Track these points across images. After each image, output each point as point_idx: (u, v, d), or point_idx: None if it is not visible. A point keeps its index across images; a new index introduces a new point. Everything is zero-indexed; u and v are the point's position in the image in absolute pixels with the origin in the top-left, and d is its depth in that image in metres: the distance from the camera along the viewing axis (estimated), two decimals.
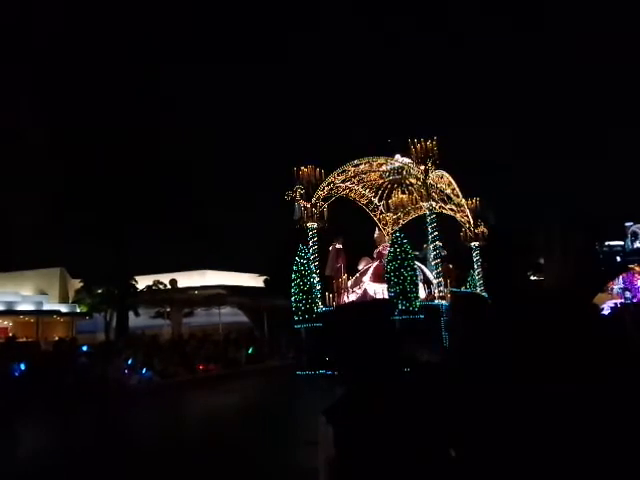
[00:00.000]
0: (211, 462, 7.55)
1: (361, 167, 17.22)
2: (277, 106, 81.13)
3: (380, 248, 17.95)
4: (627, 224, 43.86)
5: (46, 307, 31.64)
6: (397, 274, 14.70)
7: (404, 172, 17.26)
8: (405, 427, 1.95)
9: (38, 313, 30.67)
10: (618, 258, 41.79)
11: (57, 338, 25.71)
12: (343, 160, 17.06)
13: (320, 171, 17.02)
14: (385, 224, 19.93)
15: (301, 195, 16.77)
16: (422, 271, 16.49)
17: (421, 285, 15.90)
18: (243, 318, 35.02)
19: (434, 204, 15.76)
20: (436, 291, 15.82)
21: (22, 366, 14.80)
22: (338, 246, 17.18)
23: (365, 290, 16.61)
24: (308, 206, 16.69)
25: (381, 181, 18.94)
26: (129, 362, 16.95)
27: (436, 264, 15.86)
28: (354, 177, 17.99)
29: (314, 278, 16.34)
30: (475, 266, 19.07)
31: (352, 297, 16.64)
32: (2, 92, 35.54)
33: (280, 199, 17.13)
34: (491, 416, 2.21)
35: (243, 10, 78.34)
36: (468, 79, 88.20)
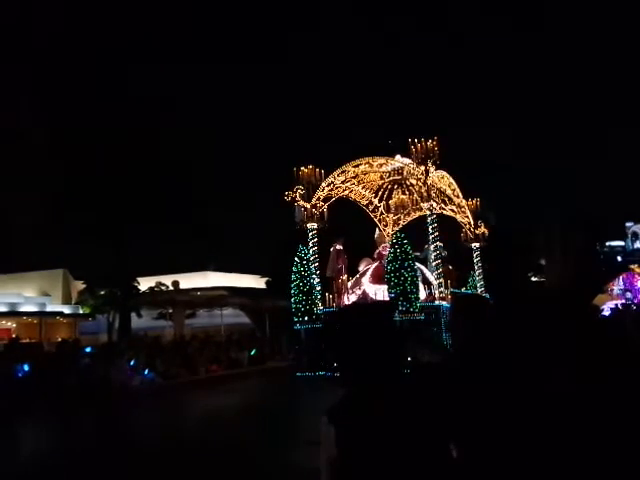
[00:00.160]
0: (212, 462, 7.58)
1: (361, 167, 17.21)
2: (277, 106, 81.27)
3: (380, 249, 17.94)
4: (627, 224, 43.83)
5: (49, 308, 31.74)
6: (397, 275, 14.70)
7: (404, 172, 17.26)
8: (406, 428, 1.97)
9: (41, 314, 30.75)
10: (619, 258, 41.75)
11: (60, 339, 25.80)
12: (343, 160, 17.06)
13: (320, 171, 17.02)
14: (385, 225, 19.93)
15: (301, 196, 16.76)
16: (422, 272, 16.48)
17: (421, 286, 15.89)
18: (245, 319, 35.04)
19: (434, 205, 15.76)
20: (436, 292, 15.81)
21: (25, 367, 14.84)
22: (339, 247, 17.18)
23: (364, 291, 16.61)
24: (308, 207, 16.69)
25: (381, 182, 18.94)
26: (131, 363, 16.97)
27: (437, 265, 15.85)
28: (354, 177, 17.99)
29: (314, 279, 16.33)
30: (475, 267, 19.06)
31: (352, 298, 16.65)
32: (2, 92, 35.62)
33: (281, 199, 17.13)
34: (492, 417, 2.23)
35: (243, 10, 78.43)
36: (468, 79, 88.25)
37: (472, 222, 18.93)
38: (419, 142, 15.46)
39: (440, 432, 2.05)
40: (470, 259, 19.16)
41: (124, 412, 13.21)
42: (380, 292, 15.76)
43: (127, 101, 32.11)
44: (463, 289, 17.61)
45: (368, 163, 17.13)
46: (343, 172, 17.50)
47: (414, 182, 17.11)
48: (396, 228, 19.01)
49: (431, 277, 16.64)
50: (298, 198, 16.81)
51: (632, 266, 39.38)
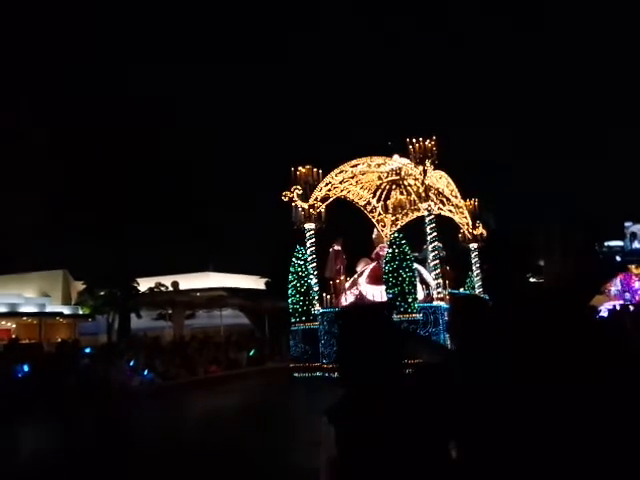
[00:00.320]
0: (212, 463, 7.58)
1: (359, 167, 17.18)
2: (277, 106, 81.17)
3: (378, 249, 17.93)
4: (627, 224, 43.76)
5: (49, 309, 31.79)
6: (395, 275, 14.71)
7: (402, 172, 17.23)
8: (406, 428, 1.98)
9: (41, 315, 30.83)
10: (618, 258, 41.69)
11: (60, 340, 25.79)
12: (342, 160, 17.04)
13: (318, 171, 17.01)
14: (384, 225, 19.92)
15: (299, 196, 16.74)
16: (420, 272, 16.47)
17: (419, 286, 15.88)
18: (244, 320, 35.04)
19: (433, 205, 15.76)
20: (434, 292, 15.80)
21: (25, 367, 14.83)
22: (337, 248, 17.17)
23: (361, 292, 16.60)
24: (306, 207, 16.67)
25: (379, 182, 18.92)
26: (131, 364, 16.96)
27: (435, 265, 15.85)
28: (352, 177, 17.96)
29: (311, 279, 16.30)
30: (474, 268, 19.06)
31: (349, 298, 16.64)
32: (2, 92, 35.61)
33: (280, 199, 17.11)
34: (491, 417, 2.24)
35: (243, 10, 78.38)
36: (468, 79, 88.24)
37: (470, 222, 18.92)
38: (417, 142, 15.44)
39: (440, 432, 2.07)
40: (468, 260, 19.15)
41: (124, 412, 13.21)
42: (377, 293, 15.75)
43: (127, 101, 32.20)
44: (461, 289, 17.61)
45: (366, 163, 17.09)
46: (341, 172, 17.48)
47: (412, 182, 17.08)
48: (394, 228, 18.98)
49: (429, 277, 16.63)
50: (296, 198, 16.80)
51: (630, 266, 39.34)
